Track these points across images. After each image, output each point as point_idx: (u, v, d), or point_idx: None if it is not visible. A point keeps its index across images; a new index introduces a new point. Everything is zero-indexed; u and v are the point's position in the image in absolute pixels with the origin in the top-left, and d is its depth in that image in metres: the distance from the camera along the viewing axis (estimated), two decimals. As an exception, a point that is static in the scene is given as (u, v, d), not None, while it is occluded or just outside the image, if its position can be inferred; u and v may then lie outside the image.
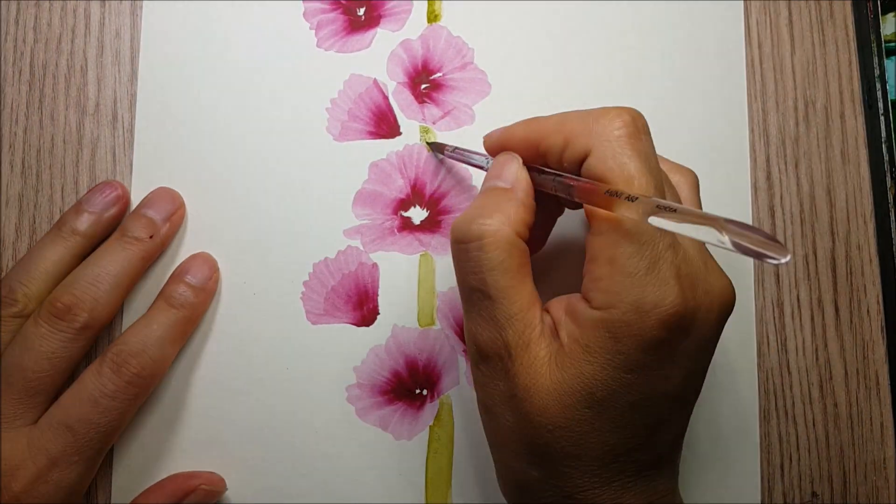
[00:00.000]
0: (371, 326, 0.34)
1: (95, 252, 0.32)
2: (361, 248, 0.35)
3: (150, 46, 0.36)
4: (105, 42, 0.36)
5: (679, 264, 0.24)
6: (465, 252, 0.26)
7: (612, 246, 0.24)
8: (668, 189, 0.26)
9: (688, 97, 0.36)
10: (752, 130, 0.36)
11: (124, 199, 0.34)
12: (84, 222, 0.33)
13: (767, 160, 0.36)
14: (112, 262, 0.32)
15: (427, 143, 0.35)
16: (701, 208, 0.29)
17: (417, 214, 0.35)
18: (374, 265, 0.35)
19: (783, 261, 0.18)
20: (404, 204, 0.35)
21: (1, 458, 0.29)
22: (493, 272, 0.25)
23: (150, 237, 0.33)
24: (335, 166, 0.35)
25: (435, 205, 0.35)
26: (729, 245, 0.19)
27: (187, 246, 0.35)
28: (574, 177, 0.26)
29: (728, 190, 0.35)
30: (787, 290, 0.35)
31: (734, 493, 0.34)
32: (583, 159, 0.25)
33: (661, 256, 0.24)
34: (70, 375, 0.31)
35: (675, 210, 0.21)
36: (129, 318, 0.34)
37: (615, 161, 0.24)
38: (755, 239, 0.19)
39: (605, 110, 0.26)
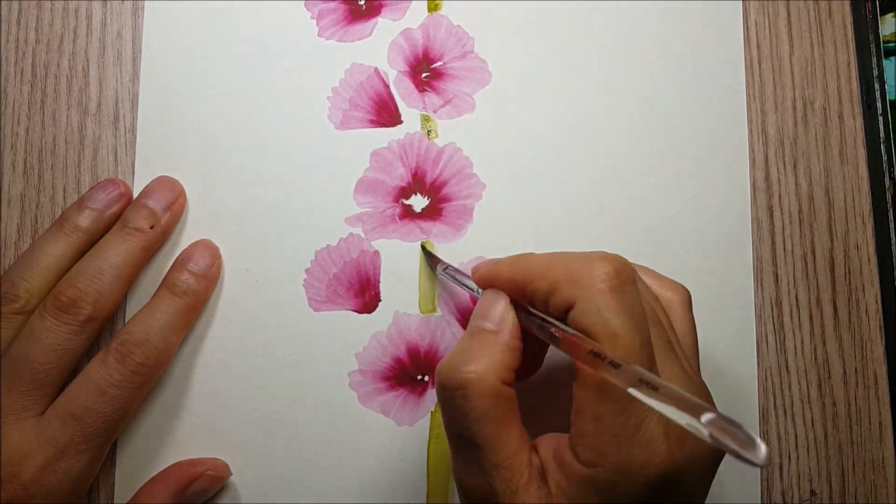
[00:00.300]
0: (373, 313, 0.34)
1: (98, 244, 0.33)
2: (363, 235, 0.35)
3: (152, 40, 0.36)
4: (107, 42, 0.36)
5: (667, 421, 0.23)
6: (449, 399, 0.25)
7: (597, 402, 0.23)
8: (653, 327, 0.25)
9: (687, 97, 0.36)
10: (750, 130, 0.36)
11: (127, 197, 0.34)
12: (86, 218, 0.33)
13: (766, 160, 0.36)
14: (114, 254, 0.32)
15: (422, 249, 0.35)
16: (694, 326, 0.29)
17: (418, 202, 0.35)
18: (376, 252, 0.35)
19: (758, 463, 0.18)
20: (405, 192, 0.35)
21: (10, 448, 0.29)
22: (478, 421, 0.24)
23: (151, 227, 0.33)
24: (336, 154, 0.35)
25: (436, 193, 0.35)
26: (707, 438, 0.18)
27: (190, 235, 0.35)
28: (560, 326, 0.25)
29: (727, 190, 0.36)
30: (785, 290, 0.35)
31: (734, 492, 0.34)
32: (568, 308, 0.25)
33: (648, 415, 0.23)
34: (76, 367, 0.32)
35: (656, 388, 0.20)
36: (132, 308, 0.34)
37: (599, 316, 0.24)
38: (735, 435, 0.18)
39: (588, 259, 0.25)
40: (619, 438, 0.23)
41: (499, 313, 0.27)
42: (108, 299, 0.31)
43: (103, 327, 0.32)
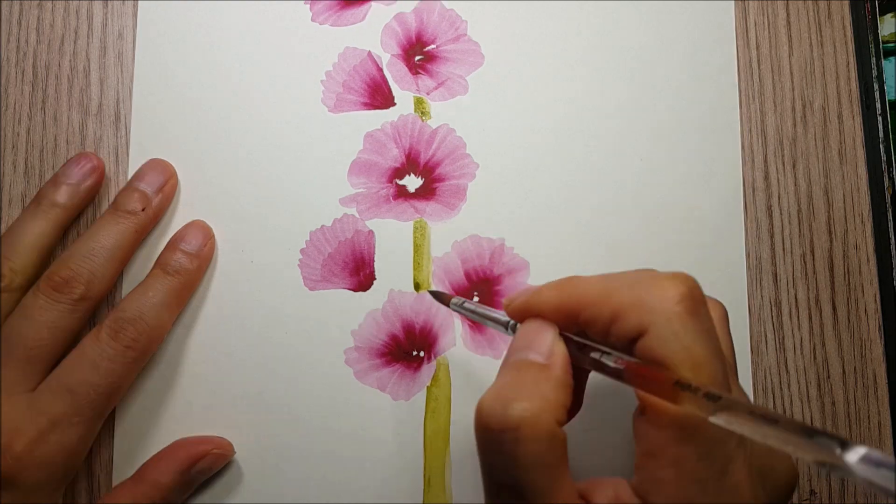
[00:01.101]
0: (368, 291, 0.35)
1: (90, 227, 0.33)
2: (357, 215, 0.35)
3: (146, 26, 0.36)
4: (108, 43, 0.36)
5: (750, 461, 0.21)
6: (496, 443, 0.21)
7: (676, 444, 0.21)
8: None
9: (680, 87, 0.36)
10: (749, 131, 0.36)
11: (100, 170, 0.34)
12: (63, 194, 0.33)
13: (765, 160, 0.36)
14: (107, 236, 0.32)
15: (429, 291, 0.35)
16: (731, 342, 0.26)
17: (412, 182, 0.35)
18: (370, 232, 0.35)
19: None
20: (399, 172, 0.36)
21: (2, 421, 0.29)
22: (530, 470, 0.21)
23: (143, 210, 0.33)
24: (330, 137, 0.36)
25: (429, 173, 0.36)
26: (858, 478, 0.16)
27: (184, 217, 0.35)
28: (626, 357, 0.22)
29: (719, 187, 0.36)
30: (784, 290, 0.35)
31: (732, 492, 0.34)
32: (635, 337, 0.22)
33: (734, 457, 0.21)
34: (68, 347, 0.32)
35: (776, 422, 0.17)
36: (126, 290, 0.34)
37: (678, 343, 0.21)
38: (885, 475, 0.16)
39: (656, 279, 0.22)
40: (704, 485, 0.20)
41: (547, 345, 0.24)
42: (101, 280, 0.32)
43: (96, 308, 0.33)
